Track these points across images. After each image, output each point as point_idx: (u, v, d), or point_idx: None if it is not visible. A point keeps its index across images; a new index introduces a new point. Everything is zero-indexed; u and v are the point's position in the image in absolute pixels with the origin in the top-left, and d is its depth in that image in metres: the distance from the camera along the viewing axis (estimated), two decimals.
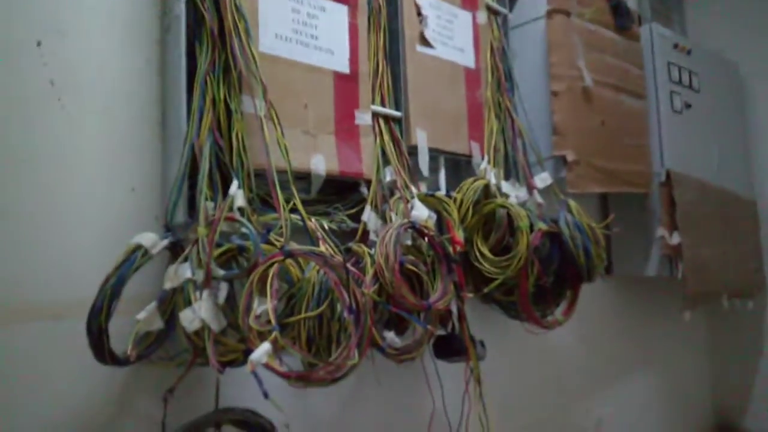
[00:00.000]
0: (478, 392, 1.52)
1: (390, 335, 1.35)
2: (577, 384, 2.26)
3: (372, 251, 1.38)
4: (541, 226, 1.68)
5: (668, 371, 2.68)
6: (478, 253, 1.67)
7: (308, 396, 1.51)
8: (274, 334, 0.98)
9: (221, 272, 1.10)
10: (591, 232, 1.72)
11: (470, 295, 1.55)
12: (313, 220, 1.25)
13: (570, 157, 1.88)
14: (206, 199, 1.17)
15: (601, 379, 2.36)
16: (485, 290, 1.65)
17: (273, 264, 1.06)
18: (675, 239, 2.18)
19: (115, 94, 1.26)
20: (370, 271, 1.34)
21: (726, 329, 2.90)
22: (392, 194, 1.52)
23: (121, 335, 1.10)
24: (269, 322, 1.02)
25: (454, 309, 1.55)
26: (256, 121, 1.26)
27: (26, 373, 1.11)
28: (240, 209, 1.19)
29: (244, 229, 1.10)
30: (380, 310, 1.33)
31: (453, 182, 1.74)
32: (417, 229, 1.42)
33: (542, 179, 1.82)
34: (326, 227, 1.34)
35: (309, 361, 1.09)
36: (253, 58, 1.27)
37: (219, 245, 1.15)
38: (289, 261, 1.16)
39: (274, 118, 1.26)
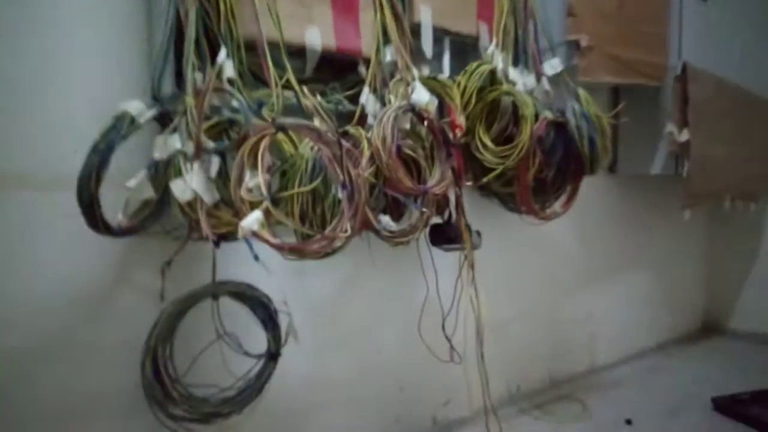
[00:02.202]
0: (471, 277, 1.54)
1: (385, 219, 1.34)
2: (570, 278, 2.29)
3: (369, 135, 1.34)
4: (547, 114, 1.62)
5: (662, 270, 2.72)
6: (479, 143, 1.63)
7: (306, 276, 1.53)
8: (266, 203, 0.96)
9: (211, 144, 1.07)
10: (598, 122, 1.66)
11: (469, 183, 1.53)
12: (307, 95, 1.19)
13: (584, 42, 1.78)
14: (194, 68, 1.11)
15: (595, 275, 2.40)
16: (484, 180, 1.63)
17: (264, 137, 1.03)
18: (684, 136, 2.12)
19: None
20: (366, 154, 1.31)
21: (724, 231, 2.90)
22: (392, 76, 1.45)
23: (116, 208, 1.09)
24: (261, 195, 1.01)
25: (451, 197, 1.53)
26: None
27: (15, 242, 1.12)
28: (230, 81, 1.14)
29: (234, 102, 1.05)
30: (377, 195, 1.32)
31: (458, 66, 1.65)
32: (416, 113, 1.37)
33: (552, 66, 1.73)
34: (321, 105, 1.29)
35: (303, 233, 1.09)
36: None
37: (209, 118, 1.12)
38: (282, 137, 1.13)
39: None
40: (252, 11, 1.18)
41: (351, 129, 1.38)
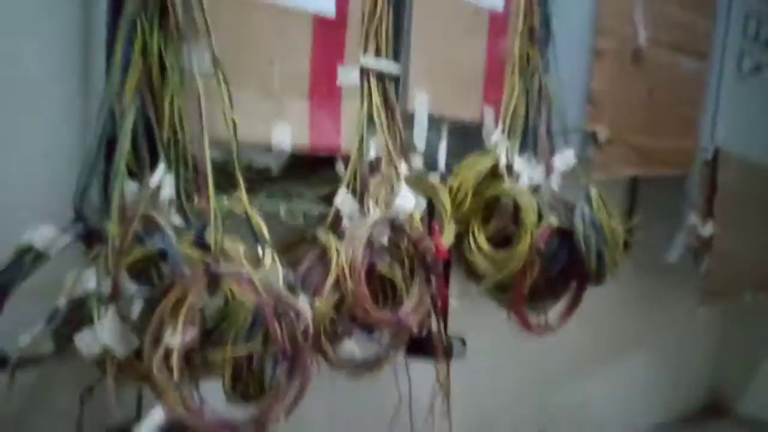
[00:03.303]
0: (446, 407, 1.36)
1: (348, 346, 1.16)
2: (564, 362, 2.11)
3: (341, 244, 1.16)
4: (551, 221, 1.42)
5: (666, 351, 2.53)
6: (472, 242, 1.44)
7: None
8: (175, 393, 0.79)
9: (131, 288, 0.89)
10: (609, 232, 1.46)
11: (453, 302, 1.34)
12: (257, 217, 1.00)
13: (602, 136, 1.57)
14: (123, 181, 0.93)
15: (591, 358, 2.21)
16: (476, 289, 1.44)
17: (190, 291, 0.85)
18: (707, 230, 1.91)
19: (23, 32, 0.99)
20: (332, 273, 1.13)
21: (736, 313, 2.68)
22: (375, 171, 1.26)
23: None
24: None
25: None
26: (198, 81, 0.98)
27: None
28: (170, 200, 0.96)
29: (158, 240, 0.87)
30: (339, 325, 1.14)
31: (459, 152, 1.46)
32: (396, 227, 1.18)
33: (564, 159, 1.52)
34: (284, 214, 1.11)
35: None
36: None
37: (140, 242, 0.94)
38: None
39: (220, 76, 0.98)
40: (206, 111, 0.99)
41: (321, 234, 1.20)
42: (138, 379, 0.90)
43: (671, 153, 1.80)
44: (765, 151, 2.13)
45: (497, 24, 1.45)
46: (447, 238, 1.25)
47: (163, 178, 0.94)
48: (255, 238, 1.01)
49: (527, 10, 1.50)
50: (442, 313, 1.39)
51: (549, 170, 1.52)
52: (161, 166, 0.94)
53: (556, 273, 1.49)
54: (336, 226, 1.22)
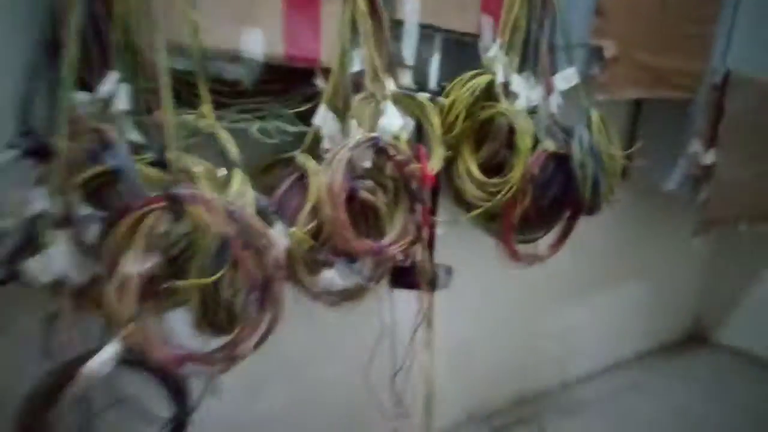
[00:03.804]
0: (428, 337, 1.32)
1: (329, 277, 1.10)
2: (554, 289, 2.08)
3: (320, 167, 1.07)
4: (547, 146, 1.33)
5: (654, 280, 2.51)
6: (463, 169, 1.35)
7: None
8: (131, 328, 0.72)
9: (85, 210, 0.81)
10: (608, 160, 1.38)
11: (439, 230, 1.27)
12: (225, 134, 0.90)
13: (609, 51, 1.44)
14: (72, 90, 0.83)
15: (580, 285, 2.19)
16: (463, 218, 1.37)
17: (149, 213, 0.77)
18: (708, 158, 1.82)
19: None
20: (311, 198, 1.05)
21: (726, 245, 2.65)
22: (359, 88, 1.15)
23: None
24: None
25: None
26: None
27: None
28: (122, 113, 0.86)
29: (111, 157, 0.78)
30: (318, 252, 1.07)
31: (452, 69, 1.34)
32: (381, 149, 1.09)
33: (566, 78, 1.40)
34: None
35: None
36: None
37: (93, 161, 0.85)
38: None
39: None
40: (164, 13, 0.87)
41: (299, 156, 1.11)
42: (96, 309, 0.84)
43: (679, 74, 1.68)
44: None
45: None
46: (435, 162, 1.16)
47: (116, 88, 0.84)
48: (223, 157, 0.92)
49: None
50: (428, 242, 1.33)
51: (549, 90, 1.41)
52: (112, 74, 0.83)
53: (548, 201, 1.41)
54: (315, 147, 1.12)
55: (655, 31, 1.54)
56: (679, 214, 2.11)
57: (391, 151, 1.09)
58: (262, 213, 0.93)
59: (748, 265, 2.64)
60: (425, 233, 1.17)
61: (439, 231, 1.29)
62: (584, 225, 1.64)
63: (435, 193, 1.36)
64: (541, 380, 2.18)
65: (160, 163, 0.87)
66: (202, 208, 0.76)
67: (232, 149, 0.90)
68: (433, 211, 1.32)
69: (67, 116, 0.82)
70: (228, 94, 1.00)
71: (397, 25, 1.20)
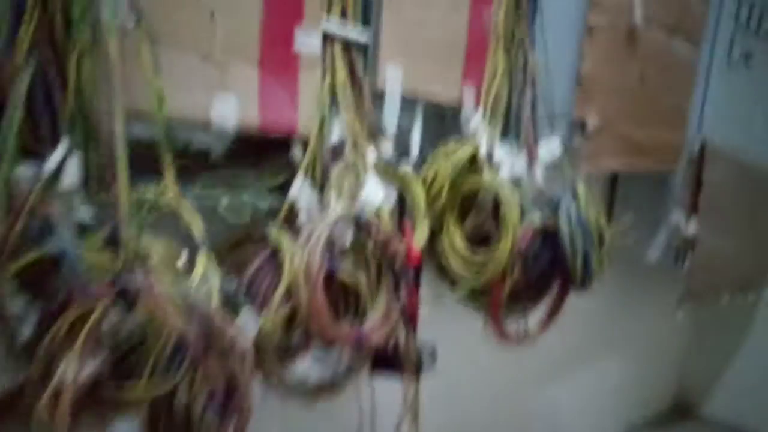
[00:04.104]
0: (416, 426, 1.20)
1: (302, 367, 0.98)
2: (537, 366, 1.98)
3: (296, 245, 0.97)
4: (535, 220, 1.27)
5: (638, 353, 2.44)
6: (447, 243, 1.27)
7: None
8: None
9: (19, 302, 0.69)
10: (596, 232, 1.32)
11: (423, 310, 1.17)
12: (189, 211, 0.81)
13: (592, 123, 1.42)
14: (13, 163, 0.72)
15: (564, 362, 2.09)
16: (450, 292, 1.28)
17: (94, 307, 0.65)
18: (691, 228, 1.80)
19: None
20: (284, 280, 0.94)
21: (709, 316, 2.62)
22: (338, 156, 1.07)
23: None
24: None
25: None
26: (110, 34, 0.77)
27: None
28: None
29: (53, 240, 0.67)
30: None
31: (435, 137, 1.29)
32: (362, 226, 1.00)
33: (550, 150, 1.37)
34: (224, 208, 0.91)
35: None
36: None
37: (36, 242, 0.73)
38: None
39: (142, 32, 0.77)
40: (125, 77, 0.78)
41: (272, 233, 1.01)
42: (24, 422, 0.70)
43: (662, 146, 1.67)
44: (754, 144, 2.03)
45: None
46: (419, 238, 1.08)
47: (65, 160, 0.73)
48: (187, 237, 0.81)
49: None
50: (412, 324, 1.23)
51: (532, 160, 1.37)
52: (63, 144, 0.73)
53: (536, 276, 1.34)
54: (290, 220, 1.03)
55: (635, 104, 1.54)
56: (661, 285, 2.07)
57: (373, 228, 1.00)
58: (228, 299, 0.82)
59: (732, 336, 2.60)
60: (410, 315, 1.07)
61: (423, 311, 1.19)
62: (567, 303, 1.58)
63: (418, 269, 1.27)
64: None
65: (113, 245, 0.76)
66: (157, 303, 0.65)
67: (197, 228, 0.80)
68: (417, 290, 1.23)
69: (5, 191, 0.71)
70: (195, 166, 0.91)
71: (378, 95, 1.14)
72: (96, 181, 0.78)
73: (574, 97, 1.43)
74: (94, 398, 0.69)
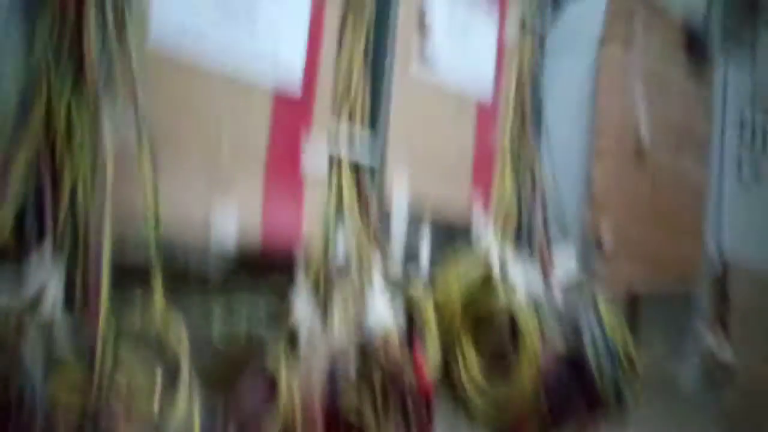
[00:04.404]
0: None
1: None
2: None
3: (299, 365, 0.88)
4: (556, 346, 1.16)
5: None
6: (462, 370, 1.16)
7: None
8: None
9: None
10: (625, 355, 1.21)
11: None
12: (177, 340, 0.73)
13: (608, 243, 1.36)
14: None
15: None
16: (468, 426, 1.15)
17: None
18: (725, 354, 1.67)
19: None
20: (279, 416, 0.84)
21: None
22: (341, 274, 1.01)
23: None
24: None
25: None
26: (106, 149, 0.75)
27: None
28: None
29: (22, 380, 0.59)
30: None
31: (444, 252, 1.23)
32: (368, 353, 0.91)
33: (566, 270, 1.30)
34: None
35: None
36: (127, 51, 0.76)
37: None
38: None
39: (143, 142, 0.75)
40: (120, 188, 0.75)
41: (272, 360, 0.91)
42: None
43: (679, 260, 1.61)
44: None
45: (485, 114, 1.29)
46: (431, 366, 0.98)
47: (45, 280, 0.67)
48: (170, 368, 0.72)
49: (518, 103, 1.35)
50: None
51: (548, 278, 1.29)
52: (45, 255, 0.67)
53: (562, 406, 1.21)
54: (292, 346, 0.94)
55: (649, 219, 1.50)
56: (697, 412, 1.89)
57: (381, 356, 0.91)
58: None
59: None
60: None
61: None
62: None
63: (428, 399, 1.15)
64: None
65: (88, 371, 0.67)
66: None
67: (184, 359, 0.72)
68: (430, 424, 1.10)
69: None
70: (190, 289, 0.84)
71: (385, 213, 1.11)
72: (81, 301, 0.72)
73: (586, 215, 1.39)
74: None
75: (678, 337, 1.77)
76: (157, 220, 0.73)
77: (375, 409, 0.91)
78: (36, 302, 0.65)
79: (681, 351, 1.77)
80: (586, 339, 1.20)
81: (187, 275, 0.84)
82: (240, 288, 0.93)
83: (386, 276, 1.06)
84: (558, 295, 1.29)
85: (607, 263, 1.35)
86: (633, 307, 1.87)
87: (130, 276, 0.75)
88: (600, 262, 1.35)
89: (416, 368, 0.92)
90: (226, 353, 0.88)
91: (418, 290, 1.07)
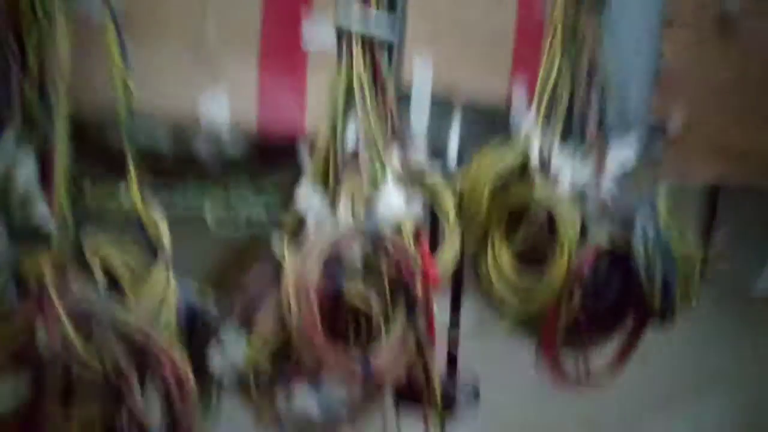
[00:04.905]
0: None
1: (302, 404, 0.84)
2: (613, 412, 1.70)
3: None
4: (599, 239, 1.06)
5: (742, 397, 2.06)
6: (491, 264, 1.09)
7: None
8: None
9: None
10: (682, 258, 1.08)
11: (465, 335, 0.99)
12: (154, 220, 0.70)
13: (675, 124, 1.19)
14: None
15: (648, 409, 1.79)
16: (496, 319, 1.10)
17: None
18: None
19: None
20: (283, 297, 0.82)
21: None
22: (352, 164, 0.94)
23: None
24: None
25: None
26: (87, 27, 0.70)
27: None
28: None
29: None
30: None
31: (479, 142, 1.12)
32: (374, 242, 0.86)
33: (621, 162, 1.15)
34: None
35: None
36: None
37: None
38: None
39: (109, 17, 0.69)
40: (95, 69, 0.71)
41: (276, 246, 0.89)
42: None
43: (766, 153, 1.39)
44: None
45: None
46: (446, 258, 0.92)
47: (15, 157, 0.66)
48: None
49: None
50: (448, 354, 1.06)
51: (599, 171, 1.15)
52: (8, 136, 0.65)
53: (604, 307, 1.12)
54: (298, 234, 0.91)
55: (733, 104, 1.28)
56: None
57: (388, 244, 0.85)
58: (204, 321, 0.71)
59: None
60: (430, 349, 0.89)
61: (464, 335, 1.01)
62: (652, 336, 1.31)
63: (457, 291, 1.11)
64: None
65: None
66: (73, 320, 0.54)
67: (164, 238, 0.70)
68: (456, 315, 1.07)
69: None
70: (180, 173, 0.81)
71: (404, 101, 1.00)
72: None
73: (652, 97, 1.20)
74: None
75: (761, 235, 1.60)
76: (128, 99, 0.69)
77: (382, 298, 0.88)
78: (6, 179, 0.64)
79: (762, 252, 1.60)
80: (637, 232, 1.08)
81: (176, 160, 0.80)
82: (240, 187, 0.89)
83: (404, 166, 0.98)
84: (608, 186, 1.16)
85: (671, 148, 1.19)
86: (711, 201, 1.69)
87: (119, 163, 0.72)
88: (665, 149, 1.18)
89: (423, 258, 0.86)
90: (228, 241, 0.86)
91: (438, 180, 0.98)
